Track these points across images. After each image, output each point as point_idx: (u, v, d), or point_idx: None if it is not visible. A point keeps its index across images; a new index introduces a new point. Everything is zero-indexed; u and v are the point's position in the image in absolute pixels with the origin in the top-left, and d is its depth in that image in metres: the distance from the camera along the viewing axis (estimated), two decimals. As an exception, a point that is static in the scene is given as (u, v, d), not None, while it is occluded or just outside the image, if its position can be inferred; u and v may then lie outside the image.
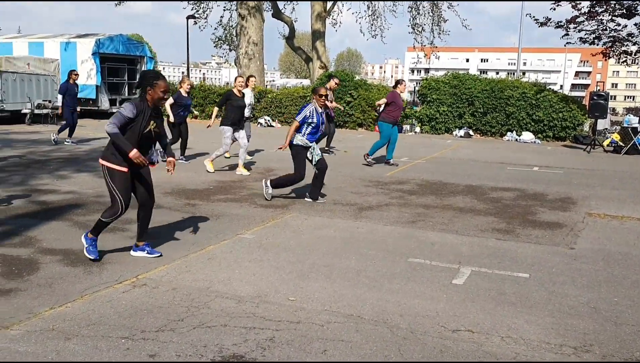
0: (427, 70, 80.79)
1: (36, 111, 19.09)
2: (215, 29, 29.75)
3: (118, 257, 5.25)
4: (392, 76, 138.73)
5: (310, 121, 7.79)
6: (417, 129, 20.70)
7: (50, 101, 19.28)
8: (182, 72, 75.31)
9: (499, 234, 6.61)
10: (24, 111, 18.92)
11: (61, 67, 20.22)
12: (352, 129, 21.04)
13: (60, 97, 13.79)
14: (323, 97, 7.97)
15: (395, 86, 12.25)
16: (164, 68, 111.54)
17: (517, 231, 6.78)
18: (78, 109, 14.15)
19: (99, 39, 21.26)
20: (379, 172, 11.15)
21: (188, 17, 28.69)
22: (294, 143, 7.91)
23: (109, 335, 3.65)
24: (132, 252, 5.30)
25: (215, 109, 10.65)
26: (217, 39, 29.12)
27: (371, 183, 9.88)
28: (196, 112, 12.80)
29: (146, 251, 5.31)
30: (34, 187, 8.48)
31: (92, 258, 5.06)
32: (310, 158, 7.93)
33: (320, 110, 7.91)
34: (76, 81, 14.00)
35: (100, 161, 5.06)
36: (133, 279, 4.72)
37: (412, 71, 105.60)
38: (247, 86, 11.24)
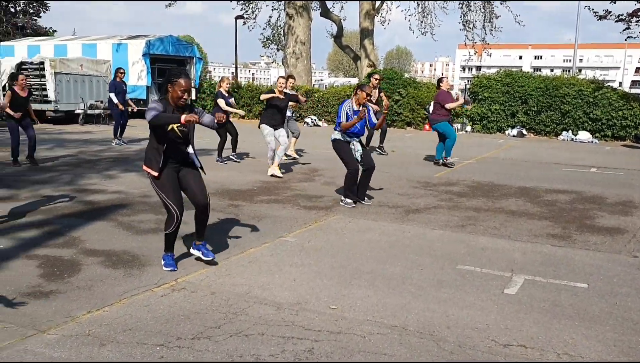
0: (478, 68, 79.20)
1: (89, 112, 19.57)
2: (264, 29, 29.91)
3: (161, 259, 5.18)
4: (442, 74, 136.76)
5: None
6: (468, 128, 20.19)
7: (102, 102, 19.72)
8: (232, 73, 76.25)
9: (554, 240, 6.25)
10: (77, 111, 19.42)
11: (113, 68, 20.63)
12: (401, 128, 20.69)
13: (113, 95, 13.84)
14: (369, 96, 7.78)
15: (438, 86, 11.92)
16: (214, 68, 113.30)
17: (573, 237, 6.40)
18: (134, 108, 14.32)
19: (149, 40, 21.63)
20: (428, 173, 10.84)
21: (237, 18, 28.90)
22: (333, 138, 7.75)
23: (144, 342, 3.56)
24: (191, 249, 5.20)
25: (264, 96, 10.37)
26: (265, 39, 29.24)
27: (419, 184, 9.60)
28: (242, 112, 12.69)
29: (202, 252, 5.15)
30: (82, 186, 8.59)
31: (169, 270, 4.91)
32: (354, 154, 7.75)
33: (356, 108, 7.67)
34: (123, 79, 14.09)
35: (144, 167, 4.97)
36: (173, 282, 4.64)
37: (463, 69, 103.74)
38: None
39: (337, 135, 7.73)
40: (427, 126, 21.02)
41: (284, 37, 27.54)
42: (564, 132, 18.43)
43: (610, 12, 17.55)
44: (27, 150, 10.57)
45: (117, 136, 14.11)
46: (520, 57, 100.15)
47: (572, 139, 18.04)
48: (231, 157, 11.52)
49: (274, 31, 28.97)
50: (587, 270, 5.22)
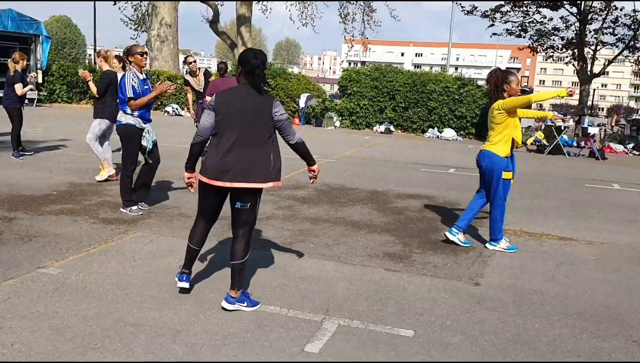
0: (363, 63, 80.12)
1: None
2: (135, 10, 27.50)
3: None
4: (330, 68, 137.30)
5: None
6: (337, 123, 19.41)
7: None
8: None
9: (390, 262, 5.26)
10: None
11: None
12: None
13: None
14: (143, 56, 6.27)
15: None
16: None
17: (413, 256, 5.46)
18: None
19: (-22, 13, 18.71)
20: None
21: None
22: (125, 122, 6.27)
23: None
24: (225, 304, 3.96)
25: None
26: (128, 20, 26.89)
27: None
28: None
29: (245, 304, 4.00)
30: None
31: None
32: (144, 144, 6.38)
33: (142, 76, 6.29)
34: None
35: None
36: None
37: (349, 64, 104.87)
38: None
39: (130, 119, 6.28)
40: (296, 120, 20.01)
41: (148, 18, 25.40)
42: (430, 130, 18.17)
43: (476, 7, 17.46)
44: None
45: None
46: (403, 54, 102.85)
47: (438, 137, 17.79)
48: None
49: (137, 11, 26.72)
50: (419, 307, 4.23)
